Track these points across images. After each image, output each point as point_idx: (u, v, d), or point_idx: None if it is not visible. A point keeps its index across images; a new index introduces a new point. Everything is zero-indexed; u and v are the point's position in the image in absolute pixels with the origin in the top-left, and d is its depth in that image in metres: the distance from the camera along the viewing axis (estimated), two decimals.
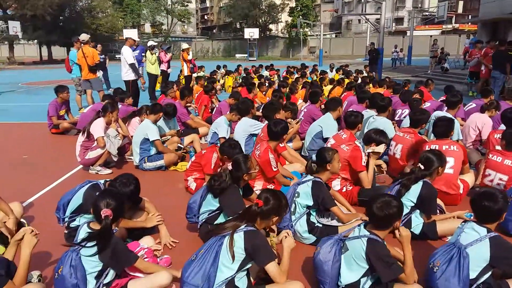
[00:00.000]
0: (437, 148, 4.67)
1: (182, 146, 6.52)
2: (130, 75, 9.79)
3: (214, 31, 73.63)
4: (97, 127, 5.77)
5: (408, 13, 56.04)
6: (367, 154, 4.54)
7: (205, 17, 79.59)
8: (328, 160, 3.75)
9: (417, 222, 3.80)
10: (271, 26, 56.73)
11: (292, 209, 3.72)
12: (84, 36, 9.86)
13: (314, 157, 3.82)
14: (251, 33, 44.83)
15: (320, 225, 3.72)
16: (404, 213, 3.73)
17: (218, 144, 6.55)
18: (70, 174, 5.91)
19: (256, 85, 9.97)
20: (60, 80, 20.03)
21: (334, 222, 3.73)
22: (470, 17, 53.43)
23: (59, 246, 3.64)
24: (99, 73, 10.35)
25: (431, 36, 47.82)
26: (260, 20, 53.32)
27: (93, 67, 9.79)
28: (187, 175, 5.04)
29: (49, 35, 42.81)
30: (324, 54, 51.42)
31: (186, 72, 13.12)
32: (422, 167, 3.78)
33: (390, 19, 50.72)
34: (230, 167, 3.67)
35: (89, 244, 2.70)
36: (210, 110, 9.36)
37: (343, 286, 2.82)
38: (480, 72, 13.96)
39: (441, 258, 2.82)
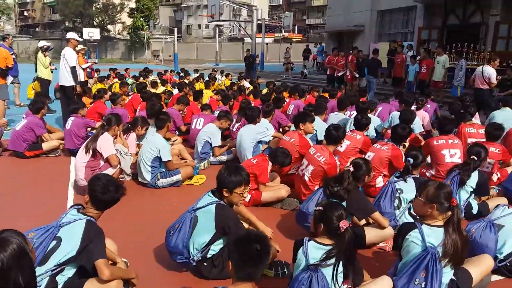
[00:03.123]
0: (444, 142, 5.58)
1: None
2: (71, 80, 8.35)
3: (37, 29, 65.27)
4: (108, 144, 4.99)
5: (226, 21, 59.91)
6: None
7: (25, 14, 69.83)
8: (421, 161, 4.24)
9: (474, 204, 4.58)
10: (109, 27, 53.44)
11: (396, 205, 4.07)
12: None
13: (411, 160, 4.21)
14: (90, 33, 41.39)
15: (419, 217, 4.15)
16: (466, 198, 4.51)
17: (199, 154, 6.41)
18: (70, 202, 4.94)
19: (200, 93, 9.61)
20: None
21: None
22: (296, 28, 60.31)
23: None
24: (9, 79, 8.46)
25: (267, 43, 52.14)
26: (97, 20, 49.77)
27: (5, 71, 8.00)
28: None
29: None
30: (168, 58, 51.23)
31: (82, 77, 11.68)
32: (475, 158, 4.55)
33: (229, 27, 53.66)
34: (351, 169, 3.78)
35: (329, 261, 2.60)
36: None
37: (502, 258, 3.35)
38: (346, 77, 16.08)
39: None
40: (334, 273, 2.59)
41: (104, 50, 50.01)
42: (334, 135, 4.88)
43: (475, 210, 4.54)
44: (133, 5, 50.58)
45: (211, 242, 3.23)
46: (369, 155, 5.25)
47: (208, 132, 6.38)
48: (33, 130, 6.76)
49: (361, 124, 5.93)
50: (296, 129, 5.65)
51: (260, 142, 6.20)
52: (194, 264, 3.27)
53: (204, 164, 6.24)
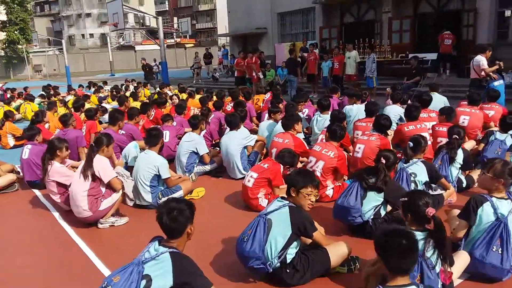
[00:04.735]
0: (414, 128, 6.17)
1: None
2: None
3: None
4: (106, 167, 4.57)
5: (132, 29, 57.66)
6: None
7: None
8: (424, 145, 4.66)
9: (462, 178, 5.20)
10: None
11: (412, 188, 4.45)
12: None
13: (411, 143, 4.61)
14: None
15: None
16: (456, 173, 5.11)
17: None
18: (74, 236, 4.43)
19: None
20: None
21: (438, 191, 4.68)
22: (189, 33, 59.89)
23: None
24: None
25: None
26: None
27: None
28: (254, 193, 4.80)
29: None
30: (53, 72, 47.23)
31: None
32: (457, 137, 5.16)
33: (119, 35, 51.10)
34: (383, 161, 4.05)
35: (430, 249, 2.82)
36: None
37: None
38: (253, 78, 16.46)
39: None
40: (438, 260, 2.82)
41: None
42: (339, 133, 5.15)
43: (464, 184, 5.17)
44: (4, 17, 45.48)
45: (288, 245, 3.23)
46: (360, 147, 5.57)
47: (192, 141, 6.14)
48: None
49: (339, 118, 6.28)
50: (288, 130, 5.77)
51: (244, 147, 6.21)
52: (271, 270, 3.24)
53: (191, 176, 6.05)
